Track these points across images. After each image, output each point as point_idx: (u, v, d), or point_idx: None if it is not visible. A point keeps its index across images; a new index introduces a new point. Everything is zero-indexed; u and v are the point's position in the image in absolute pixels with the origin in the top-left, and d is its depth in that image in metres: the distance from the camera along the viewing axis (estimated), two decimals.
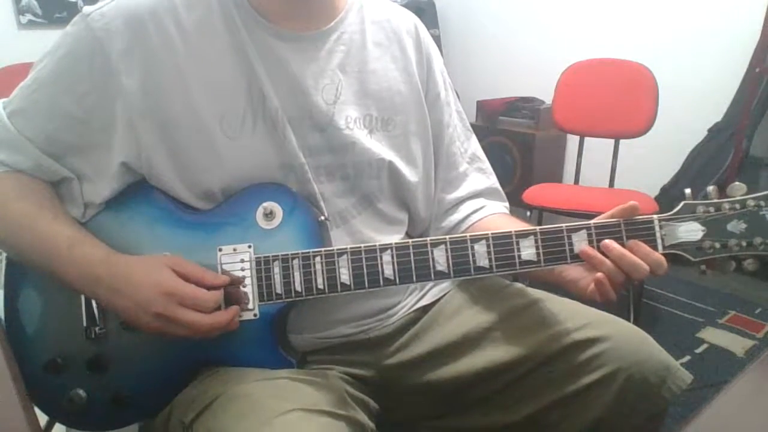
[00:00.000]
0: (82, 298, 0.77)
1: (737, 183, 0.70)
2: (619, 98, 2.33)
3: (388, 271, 0.73)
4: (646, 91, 2.25)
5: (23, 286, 0.81)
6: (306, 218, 0.78)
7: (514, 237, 0.72)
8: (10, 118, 0.76)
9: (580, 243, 0.72)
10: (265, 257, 0.75)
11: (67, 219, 0.77)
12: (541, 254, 0.72)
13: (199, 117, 0.75)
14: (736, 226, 0.69)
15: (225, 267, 0.75)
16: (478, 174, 0.96)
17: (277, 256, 0.75)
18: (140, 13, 0.74)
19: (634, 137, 2.28)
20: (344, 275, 0.74)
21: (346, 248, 0.74)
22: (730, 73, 2.49)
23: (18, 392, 0.72)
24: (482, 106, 3.16)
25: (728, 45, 2.50)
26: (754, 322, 2.19)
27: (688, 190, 0.71)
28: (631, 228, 0.71)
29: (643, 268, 0.68)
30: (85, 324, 0.78)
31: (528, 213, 2.21)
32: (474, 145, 0.97)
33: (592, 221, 0.72)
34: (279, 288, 0.74)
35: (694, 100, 2.59)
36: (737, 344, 2.04)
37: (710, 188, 0.70)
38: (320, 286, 0.74)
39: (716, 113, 2.56)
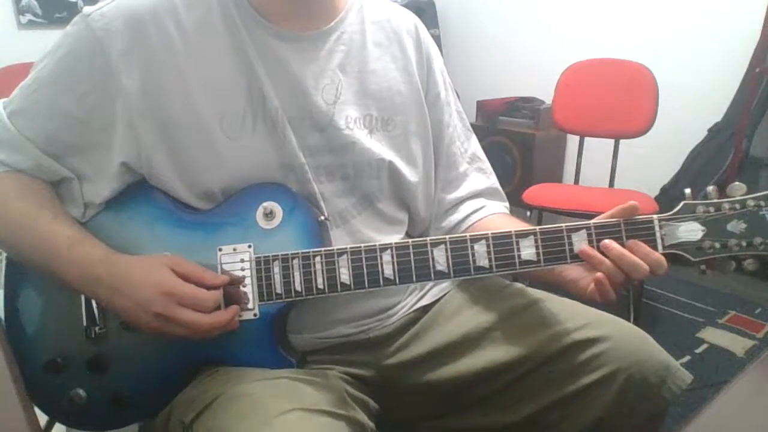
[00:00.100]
0: (82, 298, 0.77)
1: (737, 183, 0.70)
2: (619, 98, 2.33)
3: (388, 271, 0.73)
4: (646, 91, 2.25)
5: (23, 286, 0.81)
6: (306, 218, 0.78)
7: (513, 237, 0.72)
8: (10, 118, 0.76)
9: (580, 243, 0.72)
10: (265, 257, 0.75)
11: (67, 219, 0.77)
12: (541, 254, 0.72)
13: (199, 117, 0.75)
14: (736, 226, 0.69)
15: (225, 267, 0.75)
16: (478, 174, 0.96)
17: (277, 255, 0.75)
18: (140, 14, 0.74)
19: (634, 137, 2.28)
20: (344, 275, 0.74)
21: (346, 248, 0.74)
22: (730, 73, 2.49)
23: (18, 392, 0.72)
24: (482, 106, 3.16)
25: (728, 45, 2.50)
26: (754, 322, 2.19)
27: (688, 190, 0.71)
28: (631, 228, 0.71)
29: (642, 268, 0.68)
30: (85, 324, 0.78)
31: (528, 213, 2.21)
32: (474, 145, 0.98)
33: (591, 221, 0.72)
34: (279, 288, 0.74)
35: (694, 100, 2.59)
36: (737, 344, 2.04)
37: (710, 188, 0.70)
38: (320, 286, 0.74)
39: (716, 113, 2.56)
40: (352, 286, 0.74)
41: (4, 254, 0.81)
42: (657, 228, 0.70)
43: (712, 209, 0.70)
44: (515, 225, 0.83)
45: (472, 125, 1.01)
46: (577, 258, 0.72)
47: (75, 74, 0.74)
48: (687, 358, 1.95)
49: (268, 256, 0.75)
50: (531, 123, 2.98)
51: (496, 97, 3.17)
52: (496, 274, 0.73)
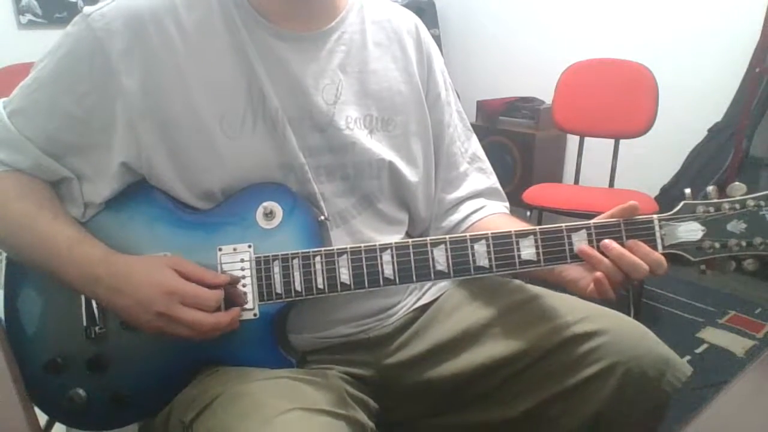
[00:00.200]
0: (82, 298, 0.77)
1: (737, 183, 0.70)
2: (619, 98, 2.34)
3: (388, 270, 0.73)
4: (646, 91, 2.25)
5: (23, 286, 0.81)
6: (306, 218, 0.78)
7: (513, 237, 0.72)
8: (10, 118, 0.76)
9: (580, 243, 0.72)
10: (265, 257, 0.75)
11: (67, 219, 0.77)
12: (541, 254, 0.72)
13: (199, 117, 0.75)
14: (735, 226, 0.69)
15: (225, 267, 0.75)
16: (478, 174, 0.96)
17: (277, 255, 0.75)
18: (140, 14, 0.74)
19: (634, 137, 2.28)
20: (344, 275, 0.74)
21: (346, 248, 0.74)
22: (730, 73, 2.49)
23: (18, 392, 0.72)
24: (482, 106, 3.16)
25: (728, 45, 2.50)
26: (754, 322, 2.19)
27: (687, 190, 0.71)
28: (631, 228, 0.71)
29: (642, 268, 0.68)
30: (85, 324, 0.78)
31: (528, 213, 2.21)
32: (474, 145, 0.98)
33: (591, 221, 0.73)
34: (279, 288, 0.74)
35: (694, 100, 2.59)
36: (737, 344, 2.04)
37: (710, 188, 0.70)
38: (320, 286, 0.74)
39: (716, 113, 2.56)
40: (352, 286, 0.74)
41: (4, 254, 0.81)
42: (657, 228, 0.70)
43: (712, 209, 0.70)
44: (515, 225, 0.83)
45: (472, 125, 1.01)
46: (577, 258, 0.72)
47: (75, 74, 0.74)
48: (687, 358, 1.95)
49: (268, 256, 0.75)
50: (531, 123, 2.98)
51: (496, 97, 3.17)
52: (496, 274, 0.73)
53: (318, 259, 0.74)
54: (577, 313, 0.80)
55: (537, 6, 3.15)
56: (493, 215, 0.92)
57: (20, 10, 2.55)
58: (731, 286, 2.44)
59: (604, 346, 0.76)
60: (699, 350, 2.01)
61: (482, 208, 0.93)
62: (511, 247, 0.72)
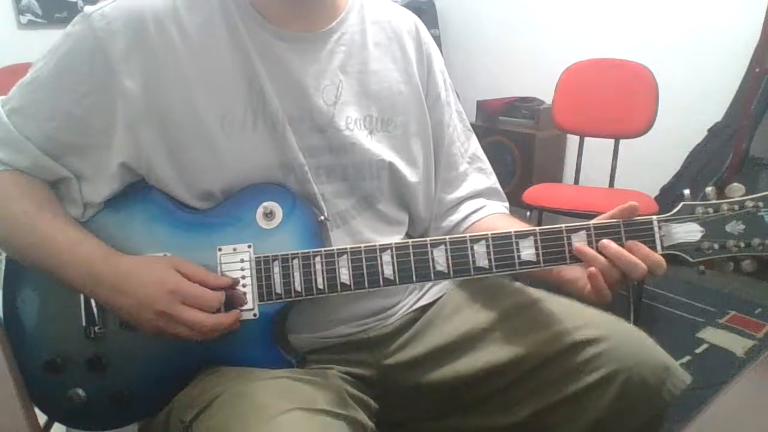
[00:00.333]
0: (82, 297, 0.78)
1: (736, 184, 0.70)
2: (619, 98, 2.33)
3: (388, 271, 0.73)
4: (646, 91, 2.25)
5: (22, 286, 0.81)
6: (306, 218, 0.78)
7: (513, 237, 0.72)
8: (8, 117, 0.76)
9: (580, 243, 0.72)
10: (264, 257, 0.75)
11: (67, 218, 0.77)
12: (541, 255, 0.72)
13: (200, 117, 0.75)
14: (734, 227, 0.69)
15: (224, 267, 0.75)
16: (478, 174, 0.96)
17: (277, 256, 0.75)
18: (141, 14, 0.74)
19: (634, 137, 2.28)
20: (344, 275, 0.74)
21: (346, 248, 0.74)
22: (730, 73, 2.49)
23: (18, 392, 0.72)
24: (482, 106, 3.16)
25: (728, 45, 2.50)
26: (754, 322, 2.19)
27: (687, 191, 0.71)
28: (631, 228, 0.71)
29: (640, 267, 0.68)
30: (84, 324, 0.78)
31: (528, 213, 2.21)
32: (474, 145, 0.98)
33: (591, 221, 0.73)
34: (279, 288, 0.74)
35: (694, 100, 2.59)
36: (737, 344, 2.04)
37: (709, 189, 0.70)
38: (320, 286, 0.74)
39: (716, 113, 2.56)
40: (352, 286, 0.74)
41: (4, 254, 0.81)
42: (656, 229, 0.71)
43: (711, 210, 0.70)
44: (515, 225, 0.83)
45: (472, 125, 1.01)
46: (576, 259, 0.72)
47: (75, 74, 0.74)
48: (687, 358, 1.95)
49: (268, 256, 0.75)
50: (531, 123, 2.98)
51: (496, 97, 3.17)
52: (495, 275, 0.73)
53: (318, 259, 0.74)
54: (577, 319, 0.80)
55: (537, 6, 3.15)
56: (493, 215, 0.92)
57: (20, 10, 2.55)
58: (731, 286, 2.44)
59: (604, 354, 0.76)
60: (699, 350, 2.01)
61: (482, 208, 0.93)
62: (510, 247, 0.72)
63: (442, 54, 0.97)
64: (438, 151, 0.93)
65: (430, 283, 0.91)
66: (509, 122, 3.06)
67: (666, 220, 0.71)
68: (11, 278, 0.81)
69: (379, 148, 0.84)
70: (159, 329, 0.71)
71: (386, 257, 0.73)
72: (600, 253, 0.70)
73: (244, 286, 0.75)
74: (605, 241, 0.70)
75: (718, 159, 2.51)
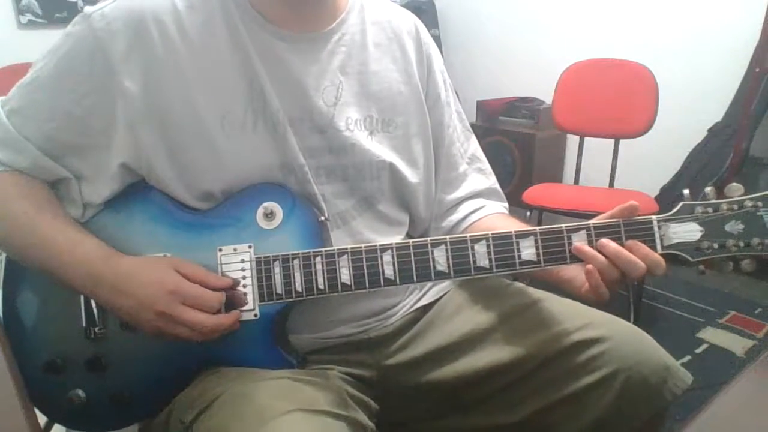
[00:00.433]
0: (82, 298, 0.77)
1: (735, 183, 0.70)
2: (619, 98, 2.33)
3: (389, 271, 0.73)
4: (646, 91, 2.25)
5: (22, 286, 0.81)
6: (306, 218, 0.78)
7: (514, 237, 0.73)
8: (8, 117, 0.76)
9: (580, 243, 0.72)
10: (265, 257, 0.75)
11: (67, 219, 0.77)
12: (541, 254, 0.72)
13: (200, 117, 0.75)
14: (734, 226, 0.69)
15: (225, 267, 0.75)
16: (477, 174, 0.96)
17: (278, 256, 0.75)
18: (142, 14, 0.74)
19: (634, 137, 2.28)
20: (345, 275, 0.74)
21: (347, 248, 0.74)
22: (730, 73, 2.49)
23: (18, 392, 0.72)
24: (482, 106, 3.16)
25: (728, 45, 2.50)
26: (754, 322, 2.19)
27: (686, 191, 0.71)
28: (630, 228, 0.71)
29: (639, 266, 0.68)
30: (84, 324, 0.78)
31: (528, 213, 2.21)
32: (473, 146, 0.98)
33: (591, 221, 0.73)
34: (279, 288, 0.74)
35: (694, 100, 2.59)
36: (737, 344, 2.04)
37: (708, 189, 0.70)
38: (321, 287, 0.74)
39: (716, 113, 2.56)
40: (353, 286, 0.74)
41: (4, 254, 0.81)
42: (656, 228, 0.71)
43: (710, 210, 0.70)
44: (514, 225, 0.83)
45: (472, 125, 1.01)
46: (577, 259, 0.72)
47: (75, 74, 0.74)
48: (687, 358, 1.95)
49: (269, 257, 0.75)
50: (531, 123, 2.99)
51: (496, 97, 3.17)
52: (496, 275, 0.73)
53: (318, 259, 0.74)
54: (578, 319, 0.80)
55: (537, 6, 3.15)
56: (492, 215, 0.92)
57: (20, 10, 2.55)
58: (731, 286, 2.44)
59: (605, 354, 0.76)
60: (699, 350, 2.01)
61: (481, 208, 0.93)
62: (511, 247, 0.72)
63: (442, 54, 0.97)
64: (438, 151, 0.93)
65: (430, 284, 0.91)
66: (509, 122, 3.06)
67: (666, 220, 0.71)
68: (11, 278, 0.81)
69: (379, 148, 0.84)
70: (159, 330, 0.71)
71: (387, 257, 0.73)
72: (599, 252, 0.70)
73: (244, 286, 0.75)
74: (604, 240, 0.70)
75: (718, 159, 2.52)
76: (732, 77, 2.49)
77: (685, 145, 2.63)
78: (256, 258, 0.75)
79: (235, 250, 0.76)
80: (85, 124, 0.75)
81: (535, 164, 2.92)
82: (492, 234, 0.73)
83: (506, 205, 0.98)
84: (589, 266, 0.70)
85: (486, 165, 0.98)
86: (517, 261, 0.72)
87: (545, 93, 2.75)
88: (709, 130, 2.58)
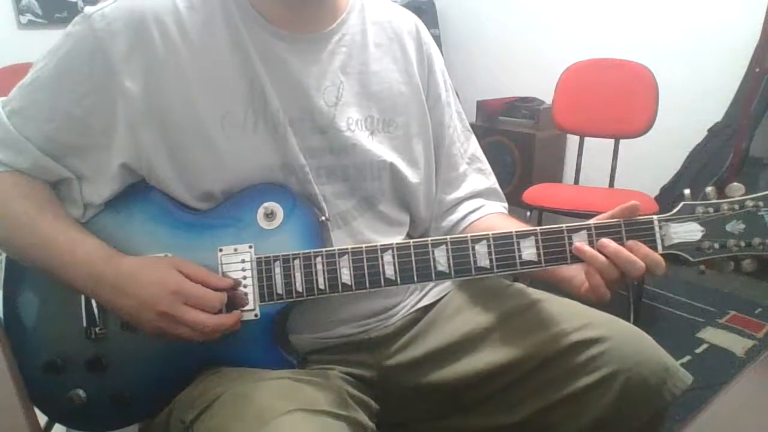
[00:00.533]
0: (82, 298, 0.78)
1: (736, 183, 0.70)
2: (619, 98, 2.34)
3: (390, 271, 0.73)
4: (646, 91, 2.25)
5: (23, 286, 0.81)
6: (307, 218, 0.78)
7: (514, 237, 0.72)
8: (9, 118, 0.76)
9: (580, 243, 0.72)
10: (266, 257, 0.75)
11: (68, 219, 0.77)
12: (542, 254, 0.72)
13: (200, 117, 0.75)
14: (734, 226, 0.69)
15: (226, 267, 0.75)
16: (477, 175, 0.96)
17: (278, 256, 0.75)
18: (142, 14, 0.74)
19: (634, 137, 2.28)
20: (345, 275, 0.74)
21: (347, 248, 0.74)
22: (730, 73, 2.49)
23: (18, 392, 0.72)
24: (482, 106, 3.16)
25: (728, 45, 2.50)
26: (754, 322, 2.19)
27: (687, 191, 0.71)
28: (631, 228, 0.71)
29: (639, 266, 0.68)
30: (85, 324, 0.78)
31: (528, 213, 2.21)
32: (473, 146, 0.98)
33: (592, 221, 0.72)
34: (280, 288, 0.74)
35: (694, 100, 2.59)
36: (737, 344, 2.04)
37: (709, 189, 0.70)
38: (321, 287, 0.74)
39: (716, 113, 2.56)
40: (354, 286, 0.74)
41: (4, 254, 0.81)
42: (657, 228, 0.71)
43: (711, 210, 0.70)
44: (513, 225, 0.84)
45: (472, 125, 1.01)
46: (577, 259, 0.72)
47: (75, 75, 0.74)
48: (687, 358, 1.95)
49: (269, 257, 0.75)
50: (531, 123, 2.99)
51: (496, 97, 3.17)
52: (497, 275, 0.73)
53: (319, 259, 0.74)
54: (577, 319, 0.80)
55: (537, 6, 3.15)
56: (491, 215, 0.92)
57: (20, 10, 2.55)
58: (731, 286, 2.44)
59: (605, 354, 0.76)
60: (699, 350, 2.01)
61: (481, 207, 0.93)
62: (512, 247, 0.72)
63: (441, 54, 0.97)
64: (438, 151, 0.93)
65: (431, 284, 0.91)
66: (509, 122, 3.06)
67: (666, 220, 0.71)
68: (11, 279, 0.81)
69: (380, 148, 0.84)
70: (160, 330, 0.71)
71: (387, 257, 0.73)
72: (599, 252, 0.70)
73: (245, 286, 0.75)
74: (604, 240, 0.70)
75: (718, 159, 2.52)
76: (732, 77, 2.49)
77: (685, 145, 2.63)
78: (257, 258, 0.75)
79: (235, 250, 0.76)
80: (86, 125, 0.75)
81: (535, 164, 2.92)
82: (493, 234, 0.73)
83: (506, 205, 0.98)
84: (589, 267, 0.70)
85: (486, 165, 0.98)
86: (517, 261, 0.72)
87: (545, 93, 2.75)
88: (709, 130, 2.58)
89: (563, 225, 0.72)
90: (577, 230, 0.72)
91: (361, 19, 0.86)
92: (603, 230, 0.71)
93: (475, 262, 0.73)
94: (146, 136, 0.75)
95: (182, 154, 0.76)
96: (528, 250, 0.72)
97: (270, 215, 0.77)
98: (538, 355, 0.79)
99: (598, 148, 2.37)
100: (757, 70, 2.35)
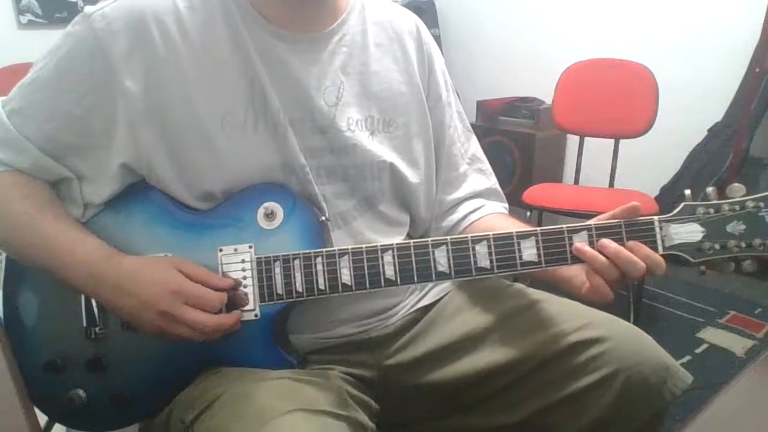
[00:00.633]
0: (82, 297, 0.78)
1: (736, 184, 0.70)
2: (619, 98, 2.33)
3: (390, 271, 0.73)
4: (646, 91, 2.25)
5: (23, 286, 0.81)
6: (307, 218, 0.78)
7: (515, 238, 0.72)
8: (9, 118, 0.76)
9: (580, 243, 0.72)
10: (266, 257, 0.75)
11: (69, 219, 0.77)
12: (542, 255, 0.72)
13: (200, 117, 0.75)
14: (735, 227, 0.69)
15: (226, 267, 0.75)
16: (477, 175, 0.96)
17: (278, 256, 0.75)
18: (142, 14, 0.74)
19: (634, 137, 2.28)
20: (345, 276, 0.74)
21: (348, 249, 0.74)
22: (730, 73, 2.49)
23: (18, 392, 0.72)
24: (482, 106, 3.16)
25: (728, 45, 2.50)
26: (754, 322, 2.19)
27: (688, 191, 0.71)
28: (632, 229, 0.71)
29: (639, 266, 0.68)
30: (85, 324, 0.78)
31: (528, 213, 2.21)
32: (474, 146, 0.98)
33: (592, 221, 0.72)
34: (280, 288, 0.74)
35: (694, 100, 2.59)
36: (737, 344, 2.04)
37: (710, 189, 0.70)
38: (321, 287, 0.74)
39: (716, 113, 2.56)
40: (354, 286, 0.74)
41: (4, 254, 0.81)
42: (657, 229, 0.70)
43: (712, 210, 0.70)
44: (514, 225, 0.84)
45: (472, 125, 1.01)
46: (578, 259, 0.72)
47: (75, 74, 0.74)
48: (687, 358, 1.95)
49: (269, 257, 0.75)
50: (531, 123, 2.99)
51: (496, 97, 3.17)
52: (497, 275, 0.73)
53: (319, 259, 0.74)
54: (578, 319, 0.80)
55: (537, 6, 3.15)
56: (491, 215, 0.92)
57: (20, 10, 2.55)
58: (731, 286, 2.44)
59: (605, 354, 0.76)
60: (699, 350, 2.01)
61: (481, 207, 0.93)
62: (512, 248, 0.72)
63: (442, 54, 0.97)
64: (439, 151, 0.93)
65: (431, 284, 0.91)
66: (509, 122, 3.06)
67: (667, 221, 0.70)
68: (11, 278, 0.81)
69: (380, 149, 0.84)
70: (161, 329, 0.71)
71: (388, 258, 0.73)
72: (599, 252, 0.70)
73: (245, 286, 0.75)
74: (605, 241, 0.70)
75: (718, 159, 2.52)
76: (732, 77, 2.49)
77: (685, 145, 2.63)
78: (257, 258, 0.75)
79: (235, 250, 0.76)
80: (86, 124, 0.75)
81: (535, 164, 2.92)
82: (493, 235, 0.73)
83: (506, 205, 0.98)
84: (590, 269, 0.70)
85: (486, 165, 0.98)
86: (518, 262, 0.72)
87: (545, 93, 2.75)
88: (709, 130, 2.58)
89: (564, 225, 0.72)
90: (577, 231, 0.72)
91: (362, 19, 0.86)
92: (603, 231, 0.71)
93: (475, 262, 0.73)
94: (146, 135, 0.75)
95: (182, 154, 0.76)
96: (528, 251, 0.72)
97: (270, 215, 0.77)
98: (538, 355, 0.79)
99: (598, 148, 2.37)
100: (757, 70, 2.35)
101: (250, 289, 0.75)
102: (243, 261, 0.75)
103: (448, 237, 0.73)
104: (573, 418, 0.77)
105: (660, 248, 0.70)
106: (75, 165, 0.78)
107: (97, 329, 0.78)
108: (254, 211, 0.77)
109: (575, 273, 0.75)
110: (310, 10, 0.81)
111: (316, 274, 0.74)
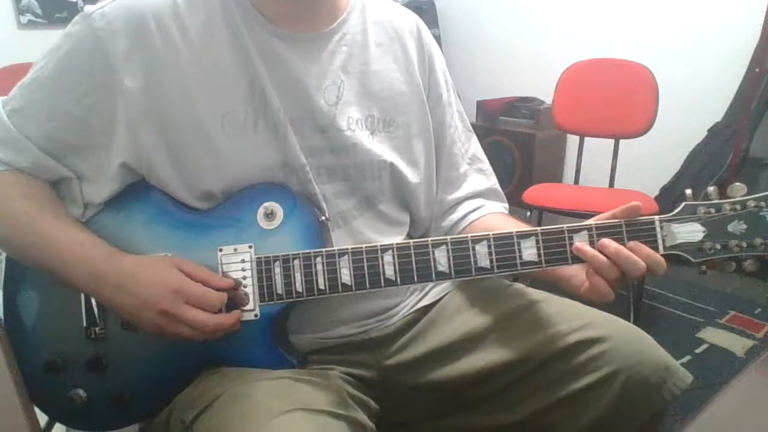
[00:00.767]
0: (82, 297, 0.78)
1: (737, 183, 0.69)
2: (619, 98, 2.34)
3: (390, 271, 0.73)
4: (646, 91, 2.25)
5: (23, 286, 0.81)
6: (307, 218, 0.78)
7: (515, 238, 0.72)
8: (9, 117, 0.76)
9: (581, 243, 0.72)
10: (266, 257, 0.75)
11: (69, 218, 0.77)
12: (542, 255, 0.72)
13: (200, 116, 0.75)
14: (736, 226, 0.69)
15: (225, 267, 0.75)
16: (478, 175, 0.96)
17: (278, 256, 0.75)
18: (142, 13, 0.74)
19: (634, 137, 2.28)
20: (345, 276, 0.74)
21: (347, 248, 0.74)
22: (730, 73, 2.49)
23: (18, 392, 0.72)
24: (482, 106, 3.16)
25: (728, 45, 2.50)
26: (754, 322, 2.19)
27: (689, 191, 0.71)
28: (632, 229, 0.71)
29: (640, 266, 0.68)
30: (85, 324, 0.78)
31: (528, 213, 2.21)
32: (474, 146, 0.98)
33: (593, 221, 0.72)
34: (280, 288, 0.74)
35: (694, 100, 2.59)
36: (737, 344, 2.04)
37: (710, 189, 0.70)
38: (321, 287, 0.74)
39: (716, 113, 2.56)
40: (354, 286, 0.74)
41: (4, 254, 0.81)
42: (658, 229, 0.70)
43: (712, 210, 0.70)
44: (513, 225, 0.84)
45: (472, 125, 1.01)
46: (578, 259, 0.71)
47: (75, 74, 0.74)
48: (687, 358, 1.95)
49: (269, 257, 0.75)
50: (531, 123, 2.99)
51: (496, 97, 3.17)
52: (497, 275, 0.73)
53: (319, 259, 0.74)
54: (578, 319, 0.80)
55: (537, 6, 3.15)
56: (491, 214, 0.92)
57: (20, 10, 2.55)
58: (731, 286, 2.44)
59: (605, 354, 0.76)
60: (699, 350, 2.01)
61: (481, 207, 0.93)
62: (512, 248, 0.72)
63: (442, 54, 0.97)
64: (439, 151, 0.93)
65: (431, 284, 0.91)
66: (509, 122, 3.06)
67: (668, 220, 0.70)
68: (11, 278, 0.81)
69: (380, 148, 0.84)
70: (161, 329, 0.71)
71: (387, 257, 0.73)
72: (600, 251, 0.70)
73: (245, 286, 0.75)
74: (605, 240, 0.70)
75: (718, 159, 2.52)
76: (732, 77, 2.49)
77: (685, 145, 2.63)
78: (257, 258, 0.75)
79: (235, 250, 0.75)
80: (86, 124, 0.75)
81: (535, 164, 2.92)
82: (493, 234, 0.73)
83: (506, 205, 0.98)
84: (590, 267, 0.70)
85: (487, 165, 0.98)
86: (518, 261, 0.72)
87: (545, 93, 2.75)
88: (709, 130, 2.58)
89: (564, 225, 0.72)
90: (577, 230, 0.72)
91: (362, 18, 0.86)
92: (604, 230, 0.71)
93: (475, 262, 0.73)
94: (146, 135, 0.75)
95: (182, 154, 0.76)
96: (528, 251, 0.72)
97: (270, 215, 0.77)
98: (538, 354, 0.79)
99: (598, 148, 2.37)
100: (757, 70, 2.35)
101: (250, 289, 0.75)
102: (243, 261, 0.75)
103: (448, 237, 0.73)
104: (573, 417, 0.77)
105: (661, 248, 0.70)
106: (75, 164, 0.78)
107: (97, 329, 0.78)
108: (254, 211, 0.77)
109: (575, 272, 0.75)
110: (310, 9, 0.81)
111: (316, 274, 0.74)
